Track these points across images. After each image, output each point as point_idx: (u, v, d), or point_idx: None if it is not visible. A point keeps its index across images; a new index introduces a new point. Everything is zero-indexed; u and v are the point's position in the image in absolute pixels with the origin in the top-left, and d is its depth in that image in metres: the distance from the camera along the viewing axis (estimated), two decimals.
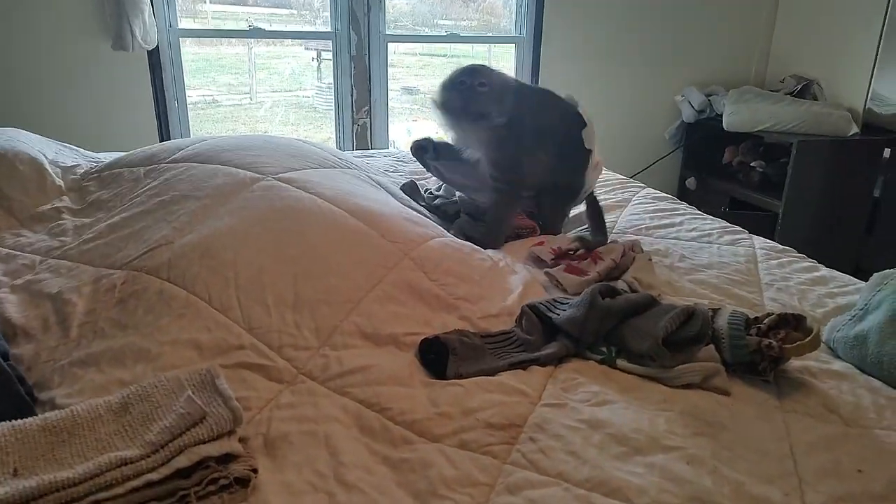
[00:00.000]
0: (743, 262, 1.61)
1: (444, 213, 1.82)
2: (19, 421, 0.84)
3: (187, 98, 3.20)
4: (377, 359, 1.13)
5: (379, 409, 1.02)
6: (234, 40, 6.12)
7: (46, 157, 1.89)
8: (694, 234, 1.81)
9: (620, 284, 1.43)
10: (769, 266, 1.60)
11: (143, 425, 0.86)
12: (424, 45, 5.91)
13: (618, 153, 3.58)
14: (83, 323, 1.15)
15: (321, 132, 4.94)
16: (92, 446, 0.83)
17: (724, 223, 1.88)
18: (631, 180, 2.38)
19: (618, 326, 1.21)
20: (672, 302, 1.37)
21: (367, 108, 3.49)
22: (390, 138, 3.60)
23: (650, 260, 1.54)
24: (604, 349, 1.20)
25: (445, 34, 3.88)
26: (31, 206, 1.69)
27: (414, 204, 1.80)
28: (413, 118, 5.72)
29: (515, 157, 1.72)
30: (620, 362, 1.17)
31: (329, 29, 3.32)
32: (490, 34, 4.03)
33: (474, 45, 4.19)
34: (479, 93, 1.70)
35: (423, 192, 1.96)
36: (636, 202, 2.08)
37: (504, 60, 3.80)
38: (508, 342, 1.24)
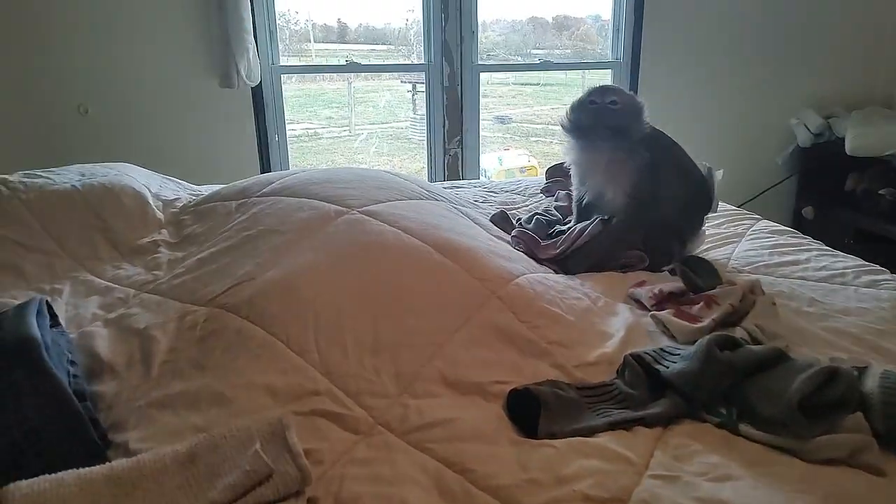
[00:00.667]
0: (888, 308, 1.38)
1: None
2: (86, 469, 0.81)
3: (287, 131, 3.29)
4: (460, 410, 1.03)
5: (461, 470, 0.91)
6: (335, 76, 6.37)
7: (150, 191, 1.95)
8: (823, 273, 1.58)
9: (738, 332, 1.26)
10: None
11: (208, 480, 0.80)
12: (517, 74, 5.86)
13: (725, 181, 3.32)
14: (164, 361, 1.12)
15: (415, 163, 4.98)
16: (155, 501, 0.78)
17: (859, 261, 1.64)
18: (743, 211, 2.17)
19: (740, 384, 1.04)
20: (803, 356, 1.19)
21: (458, 137, 3.45)
22: (481, 167, 3.55)
23: (774, 304, 1.35)
24: (723, 410, 1.04)
25: (539, 62, 3.79)
26: (132, 238, 1.73)
27: (504, 236, 1.70)
28: (505, 147, 5.66)
29: (652, 181, 1.62)
30: (744, 428, 1.00)
31: (423, 61, 3.33)
32: (585, 60, 3.90)
33: (568, 72, 4.07)
34: (611, 111, 1.62)
35: (514, 223, 1.85)
36: (751, 236, 1.87)
37: None
38: (608, 396, 1.11)
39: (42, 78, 2.75)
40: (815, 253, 1.70)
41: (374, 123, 6.56)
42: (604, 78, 3.57)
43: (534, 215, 1.83)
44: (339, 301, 1.15)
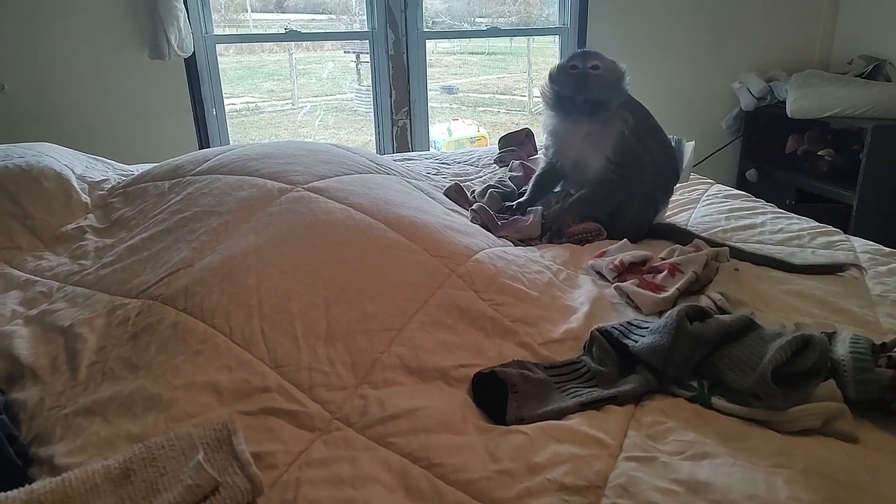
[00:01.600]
0: (849, 268, 1.37)
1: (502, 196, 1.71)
2: (1, 495, 0.70)
3: (226, 106, 3.12)
4: (424, 399, 0.96)
5: (428, 465, 0.85)
6: (275, 47, 6.10)
7: (75, 173, 1.79)
8: (781, 236, 1.58)
9: (704, 301, 1.24)
10: (878, 274, 1.37)
11: (145, 498, 0.71)
12: (461, 43, 5.73)
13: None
14: (93, 363, 1.01)
15: (362, 135, 4.84)
16: None
17: (812, 223, 1.65)
18: (697, 176, 2.15)
19: (711, 356, 1.01)
20: (768, 322, 1.16)
21: (406, 108, 3.34)
22: (431, 138, 3.45)
23: (737, 270, 1.33)
24: (694, 384, 1.00)
25: (486, 28, 3.69)
26: (55, 225, 1.59)
27: (460, 210, 1.63)
28: (454, 117, 5.56)
29: (635, 146, 1.58)
30: (717, 401, 0.97)
31: (366, 28, 3.18)
32: (531, 27, 3.83)
33: (514, 40, 4.00)
34: (594, 77, 1.57)
35: (469, 196, 1.78)
36: (706, 202, 1.86)
37: (545, 54, 3.60)
38: (577, 375, 1.06)
39: None
40: (769, 216, 1.69)
41: (318, 96, 6.35)
42: (549, 44, 3.51)
43: (487, 188, 1.76)
44: (287, 286, 1.06)
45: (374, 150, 3.37)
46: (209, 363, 0.95)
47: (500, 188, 1.78)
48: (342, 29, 3.80)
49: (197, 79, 2.93)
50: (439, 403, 0.95)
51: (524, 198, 1.75)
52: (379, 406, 0.94)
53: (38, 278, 1.37)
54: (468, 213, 1.60)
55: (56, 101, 2.70)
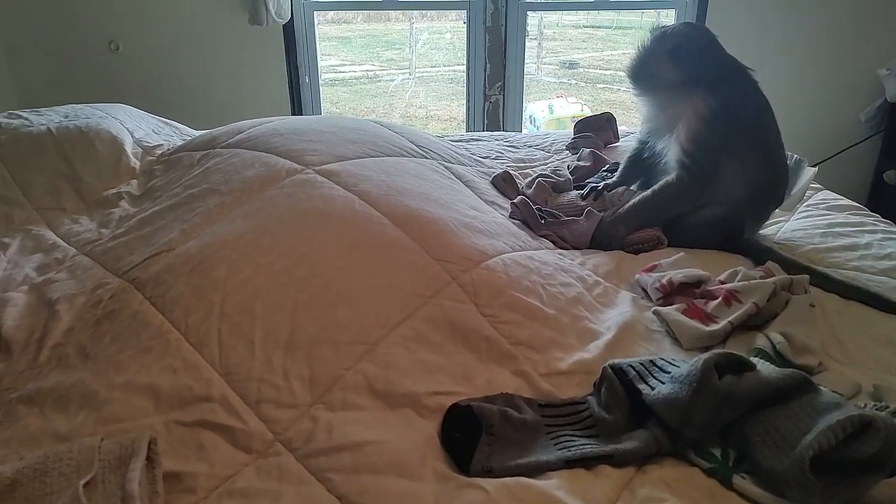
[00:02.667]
0: None
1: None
2: None
3: (347, 72, 3.12)
4: (382, 430, 0.83)
5: None
6: (401, 15, 6.09)
7: (133, 136, 1.81)
8: (886, 263, 1.27)
9: (760, 340, 1.01)
10: None
11: None
12: (591, 16, 5.39)
13: (799, 138, 2.93)
14: (57, 345, 0.97)
15: (460, 109, 4.72)
16: None
17: None
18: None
19: (743, 420, 0.80)
20: (838, 378, 0.92)
21: (500, 83, 3.16)
22: (531, 114, 3.24)
23: (812, 306, 1.07)
24: (717, 453, 0.80)
25: (592, 1, 3.40)
26: (100, 189, 1.59)
27: (501, 201, 1.46)
28: (557, 94, 5.26)
29: (715, 147, 1.35)
30: (739, 481, 0.76)
31: None
32: None
33: (644, 13, 3.67)
34: (673, 59, 1.40)
35: (518, 185, 1.61)
36: (804, 211, 1.55)
37: None
38: (576, 419, 0.88)
39: (75, 14, 2.69)
40: (879, 236, 1.37)
41: (435, 66, 6.28)
42: (667, 18, 3.18)
43: (536, 178, 1.57)
44: (256, 283, 0.96)
45: (464, 127, 3.23)
46: (155, 362, 0.87)
47: (552, 178, 1.58)
48: None
49: (294, 45, 2.92)
50: (398, 438, 0.82)
51: (613, 179, 1.58)
52: (327, 433, 0.82)
53: (62, 243, 1.37)
54: (510, 207, 1.43)
55: (164, 63, 2.81)
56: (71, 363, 0.91)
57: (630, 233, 1.37)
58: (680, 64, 1.39)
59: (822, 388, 0.82)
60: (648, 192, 1.40)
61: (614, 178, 1.59)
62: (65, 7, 2.66)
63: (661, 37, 1.44)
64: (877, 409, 0.81)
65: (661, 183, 1.39)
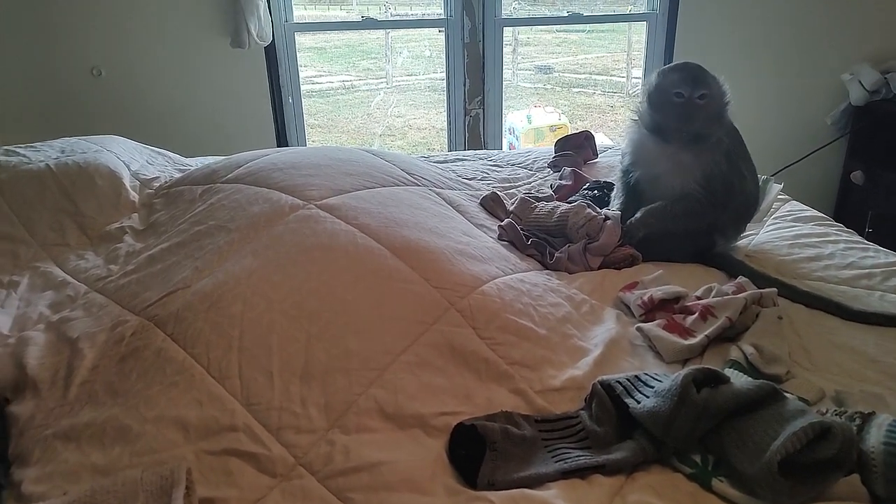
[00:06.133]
0: None
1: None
2: None
3: (325, 84, 3.17)
4: (394, 450, 0.91)
5: None
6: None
7: (130, 169, 1.85)
8: (848, 273, 1.38)
9: (734, 353, 1.10)
10: None
11: None
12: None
13: (769, 141, 3.04)
14: (84, 382, 1.03)
15: (440, 118, 4.80)
16: None
17: (893, 256, 1.43)
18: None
19: (719, 427, 0.89)
20: (804, 385, 1.02)
21: (479, 97, 3.25)
22: (510, 125, 3.33)
23: (780, 318, 1.17)
24: (697, 459, 0.89)
25: (567, 14, 3.51)
26: (102, 223, 1.64)
27: (489, 223, 1.54)
28: (535, 103, 5.38)
29: (728, 173, 1.43)
30: (717, 484, 0.85)
31: (441, 15, 3.11)
32: (616, 12, 3.60)
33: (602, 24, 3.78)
34: (698, 108, 1.39)
35: (507, 205, 1.69)
36: (773, 224, 1.66)
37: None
38: (570, 433, 0.97)
39: (55, 41, 2.69)
40: (842, 246, 1.48)
41: (412, 75, 6.36)
42: (637, 30, 3.29)
43: (519, 199, 1.65)
44: (271, 318, 1.04)
45: (446, 140, 3.32)
46: (182, 396, 0.94)
47: (535, 197, 1.67)
48: (427, 8, 3.73)
49: (276, 66, 2.97)
50: (409, 457, 0.90)
51: (617, 205, 1.59)
52: (344, 455, 0.90)
53: (72, 279, 1.41)
54: (497, 229, 1.52)
55: (146, 88, 2.83)
56: (101, 399, 0.98)
57: (643, 233, 1.47)
58: (708, 114, 1.40)
59: (788, 396, 0.92)
60: (668, 202, 1.45)
61: (616, 206, 1.59)
62: (46, 32, 2.66)
63: (693, 82, 1.40)
64: (837, 414, 0.90)
65: (683, 196, 1.44)
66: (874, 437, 0.82)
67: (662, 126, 1.45)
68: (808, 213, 1.68)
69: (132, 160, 1.93)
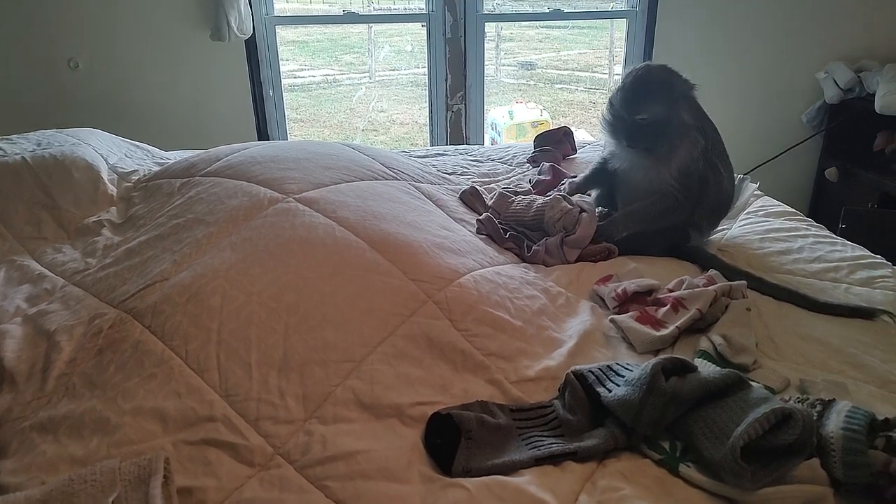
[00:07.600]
0: (880, 314, 1.22)
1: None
2: None
3: (305, 77, 3.17)
4: (371, 440, 0.92)
5: None
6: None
7: (108, 163, 1.84)
8: (815, 266, 1.42)
9: (703, 343, 1.13)
10: None
11: None
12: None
13: (745, 139, 3.09)
14: (62, 374, 1.03)
15: (423, 112, 4.82)
16: None
17: (859, 250, 1.47)
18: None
19: (687, 415, 0.92)
20: (771, 374, 1.05)
21: (461, 93, 3.26)
22: (492, 120, 3.35)
23: (748, 310, 1.20)
24: (666, 445, 0.92)
25: (548, 11, 3.54)
26: (80, 217, 1.63)
27: (468, 217, 1.56)
28: (517, 99, 5.41)
29: (704, 168, 1.47)
30: (685, 469, 0.88)
31: (423, 10, 3.11)
32: (597, 9, 3.63)
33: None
34: (642, 128, 1.43)
35: (486, 199, 1.71)
36: (745, 218, 1.70)
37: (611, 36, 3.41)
38: (543, 421, 0.99)
39: (31, 32, 2.66)
40: (810, 240, 1.52)
41: (394, 70, 6.35)
42: (618, 27, 3.33)
43: (497, 193, 1.68)
44: (249, 310, 1.05)
45: (428, 135, 3.33)
46: (160, 388, 0.95)
47: (510, 192, 1.69)
48: (408, 3, 3.74)
49: (257, 60, 2.96)
50: (385, 446, 0.92)
51: (579, 178, 1.68)
52: (321, 445, 0.91)
53: (49, 273, 1.41)
54: (475, 223, 1.54)
55: (124, 80, 2.81)
56: (79, 392, 0.98)
57: (622, 235, 1.51)
58: (656, 129, 1.43)
59: (753, 383, 0.95)
60: (646, 202, 1.50)
61: (577, 179, 1.69)
62: (21, 24, 2.63)
63: (630, 103, 1.44)
64: (800, 401, 0.93)
65: (657, 196, 1.49)
66: (833, 423, 0.85)
67: (619, 133, 1.50)
68: (779, 209, 1.72)
69: (110, 153, 1.93)
